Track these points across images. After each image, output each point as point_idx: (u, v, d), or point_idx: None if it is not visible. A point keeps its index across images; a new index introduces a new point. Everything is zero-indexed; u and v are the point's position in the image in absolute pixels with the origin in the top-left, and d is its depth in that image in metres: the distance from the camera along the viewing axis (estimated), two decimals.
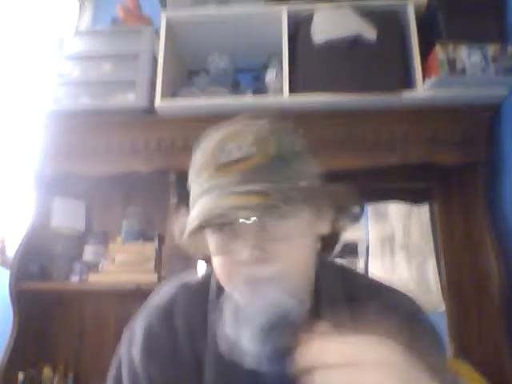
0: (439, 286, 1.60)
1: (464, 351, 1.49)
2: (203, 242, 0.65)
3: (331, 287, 0.68)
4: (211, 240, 0.62)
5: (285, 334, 0.49)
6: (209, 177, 0.60)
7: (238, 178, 0.57)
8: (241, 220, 0.58)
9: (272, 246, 0.58)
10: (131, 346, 0.69)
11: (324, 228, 0.66)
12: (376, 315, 0.65)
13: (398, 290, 0.72)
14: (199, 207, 0.59)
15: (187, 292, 0.72)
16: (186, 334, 0.68)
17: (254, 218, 0.57)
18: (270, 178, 0.58)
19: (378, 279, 0.75)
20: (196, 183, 0.62)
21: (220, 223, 0.59)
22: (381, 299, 0.68)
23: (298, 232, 0.60)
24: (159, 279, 1.55)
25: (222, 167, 0.59)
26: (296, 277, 0.60)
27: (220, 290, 0.67)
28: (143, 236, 1.72)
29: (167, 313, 0.69)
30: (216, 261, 0.62)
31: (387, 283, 0.73)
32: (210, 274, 0.73)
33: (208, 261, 0.69)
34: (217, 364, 0.65)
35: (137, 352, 0.67)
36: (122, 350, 0.70)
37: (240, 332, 0.50)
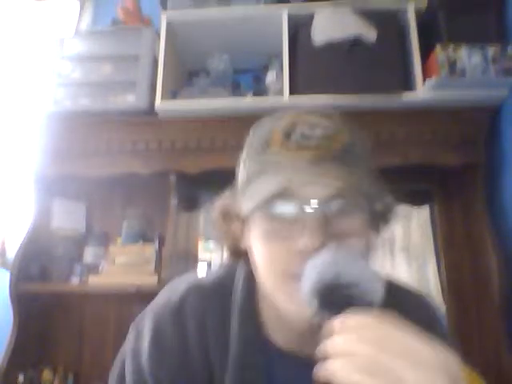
0: (439, 287, 1.60)
1: (464, 351, 1.49)
2: (236, 229, 0.62)
3: None
4: (261, 224, 0.57)
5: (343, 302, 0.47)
6: (279, 153, 0.55)
7: (316, 159, 0.53)
8: (313, 203, 0.53)
9: (338, 241, 0.53)
10: (137, 347, 0.65)
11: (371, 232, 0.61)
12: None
13: (413, 292, 0.69)
14: (274, 178, 0.54)
15: (200, 292, 0.66)
16: (198, 339, 0.63)
17: (333, 203, 0.53)
18: (347, 166, 0.54)
19: (391, 278, 0.71)
20: (256, 159, 0.58)
21: (287, 203, 0.54)
22: (395, 303, 0.63)
23: (359, 231, 0.56)
24: (159, 281, 1.55)
25: (296, 146, 0.55)
26: None
27: (249, 293, 0.64)
28: (143, 237, 1.72)
29: (178, 313, 0.64)
30: (266, 248, 0.57)
31: (402, 283, 0.70)
32: (231, 274, 0.68)
33: (235, 252, 0.66)
34: (243, 373, 0.61)
35: (145, 356, 0.63)
36: (127, 349, 0.66)
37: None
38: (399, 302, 0.63)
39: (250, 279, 0.65)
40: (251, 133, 0.62)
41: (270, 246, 0.56)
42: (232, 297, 0.66)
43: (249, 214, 0.57)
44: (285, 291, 0.56)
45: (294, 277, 0.53)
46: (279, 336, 0.65)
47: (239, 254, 0.65)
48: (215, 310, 0.65)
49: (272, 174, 0.55)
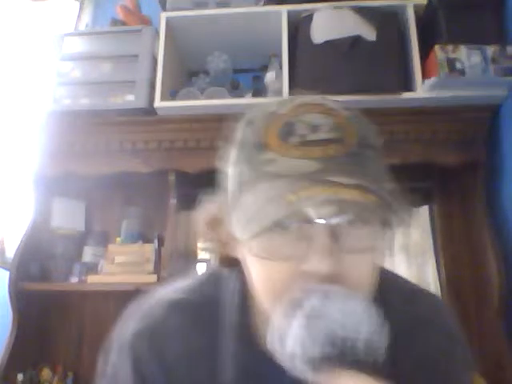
0: (439, 286, 1.60)
1: None
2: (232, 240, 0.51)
3: None
4: (261, 240, 0.47)
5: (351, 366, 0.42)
6: (276, 160, 0.46)
7: (320, 167, 0.45)
8: (322, 219, 0.44)
9: (349, 259, 0.46)
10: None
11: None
12: (406, 326, 0.57)
13: (430, 297, 0.64)
14: (279, 193, 0.44)
15: (182, 311, 0.58)
16: (185, 364, 0.56)
17: (344, 219, 0.44)
18: (357, 173, 0.46)
19: (408, 280, 0.66)
20: (250, 164, 0.48)
21: (294, 220, 0.45)
22: (414, 308, 0.59)
23: (371, 244, 0.48)
24: (159, 280, 1.55)
25: (297, 151, 0.46)
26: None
27: (244, 307, 0.56)
28: (143, 237, 1.72)
29: (157, 338, 0.57)
30: (265, 268, 0.49)
31: (419, 286, 0.65)
32: (216, 286, 0.60)
33: (225, 262, 0.58)
34: None
35: None
36: None
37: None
38: (416, 308, 0.60)
39: (244, 292, 0.57)
40: (241, 130, 0.53)
41: (270, 266, 0.48)
42: (220, 313, 0.57)
43: (246, 239, 0.47)
44: None
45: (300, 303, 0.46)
46: None
47: (230, 264, 0.57)
48: (201, 330, 0.57)
49: (270, 188, 0.45)
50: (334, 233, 0.46)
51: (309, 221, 0.44)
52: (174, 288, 0.63)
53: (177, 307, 0.59)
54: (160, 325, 0.58)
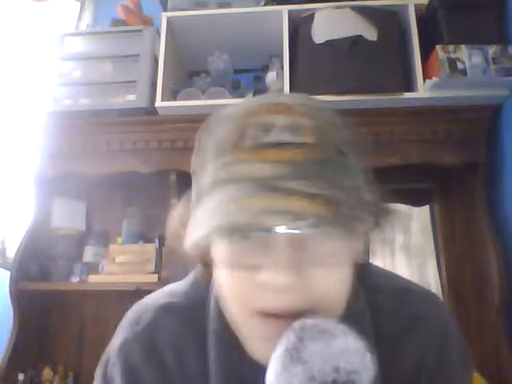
0: (439, 287, 1.60)
1: None
2: (205, 244, 0.49)
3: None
4: (222, 246, 0.46)
5: None
6: (240, 160, 0.44)
7: (287, 170, 0.42)
8: (281, 229, 0.41)
9: (311, 272, 0.44)
10: None
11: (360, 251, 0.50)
12: (400, 327, 0.55)
13: (425, 294, 0.62)
14: (223, 200, 0.43)
15: (174, 314, 0.57)
16: (178, 364, 0.55)
17: (304, 230, 0.41)
18: (331, 179, 0.43)
19: (400, 277, 0.64)
20: (214, 165, 0.46)
21: (249, 228, 0.42)
22: (407, 307, 0.57)
23: (341, 256, 0.45)
24: (159, 280, 1.55)
25: (263, 150, 0.43)
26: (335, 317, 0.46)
27: (221, 313, 0.54)
28: (143, 237, 1.72)
29: (148, 343, 0.56)
30: (226, 276, 0.47)
31: (413, 283, 0.62)
32: (203, 291, 0.58)
33: (205, 265, 0.55)
34: None
35: None
36: None
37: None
38: (409, 307, 0.58)
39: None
40: (202, 136, 0.52)
41: (233, 276, 0.46)
42: (206, 316, 0.56)
43: (192, 244, 0.46)
44: (255, 330, 0.47)
45: (265, 314, 0.45)
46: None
47: (211, 265, 0.54)
48: (190, 333, 0.56)
49: (221, 194, 0.43)
50: (294, 243, 0.43)
51: (263, 229, 0.42)
52: (161, 293, 0.62)
53: (166, 310, 0.58)
54: (150, 328, 0.57)
